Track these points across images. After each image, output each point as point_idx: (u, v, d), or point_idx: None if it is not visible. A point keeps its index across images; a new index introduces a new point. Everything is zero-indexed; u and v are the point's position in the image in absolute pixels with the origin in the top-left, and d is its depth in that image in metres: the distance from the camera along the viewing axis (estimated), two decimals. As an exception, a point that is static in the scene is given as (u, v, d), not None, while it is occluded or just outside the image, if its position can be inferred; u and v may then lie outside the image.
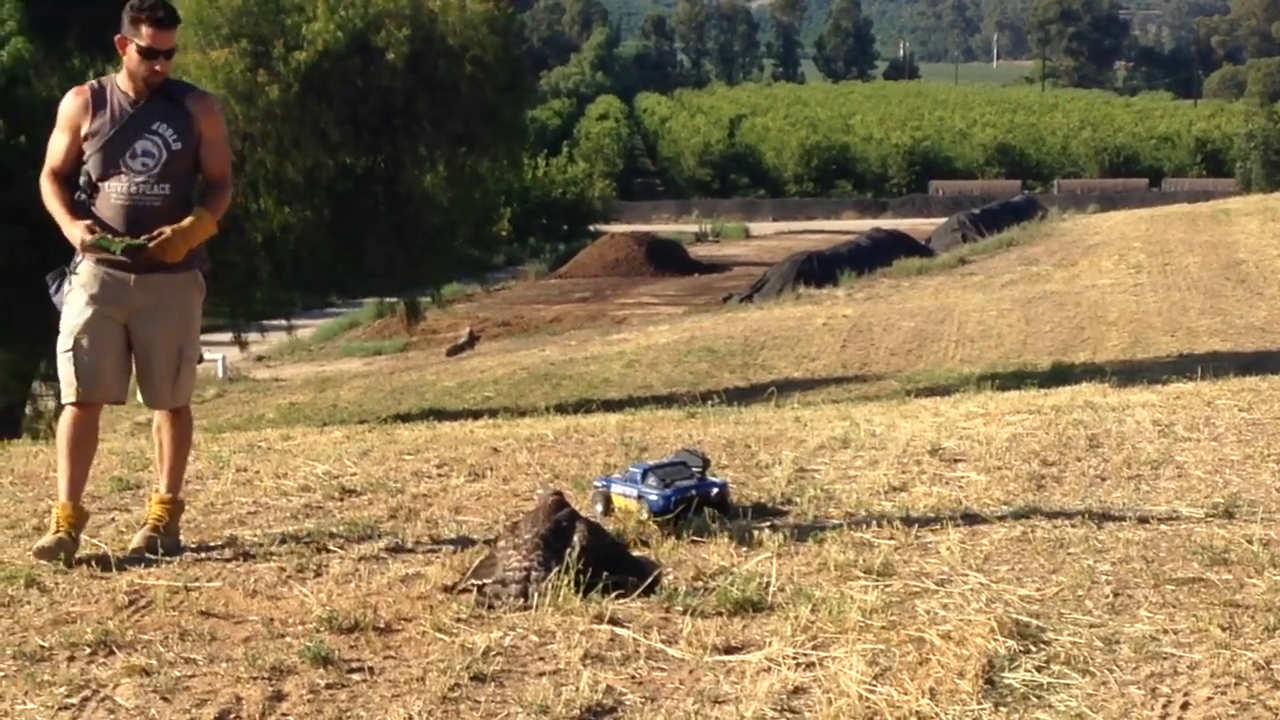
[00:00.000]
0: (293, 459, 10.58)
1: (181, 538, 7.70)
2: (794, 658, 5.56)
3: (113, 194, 7.35)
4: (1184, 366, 21.26)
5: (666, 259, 66.95)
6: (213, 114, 7.70)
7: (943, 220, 72.14)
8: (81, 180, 7.38)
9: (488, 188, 33.70)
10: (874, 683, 5.27)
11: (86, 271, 7.36)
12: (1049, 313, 36.76)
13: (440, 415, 22.03)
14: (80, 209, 7.34)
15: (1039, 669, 5.38)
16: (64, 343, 7.36)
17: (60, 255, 7.78)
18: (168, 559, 7.26)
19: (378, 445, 11.40)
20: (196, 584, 6.85)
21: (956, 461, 9.35)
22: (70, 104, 7.44)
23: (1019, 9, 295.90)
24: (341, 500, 8.86)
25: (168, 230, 7.31)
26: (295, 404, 35.86)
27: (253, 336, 37.06)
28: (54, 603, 6.60)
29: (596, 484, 8.29)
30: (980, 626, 5.67)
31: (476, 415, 17.27)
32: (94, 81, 7.55)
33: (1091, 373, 20.73)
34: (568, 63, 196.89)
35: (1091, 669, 5.43)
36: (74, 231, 7.22)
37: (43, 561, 7.16)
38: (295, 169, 26.60)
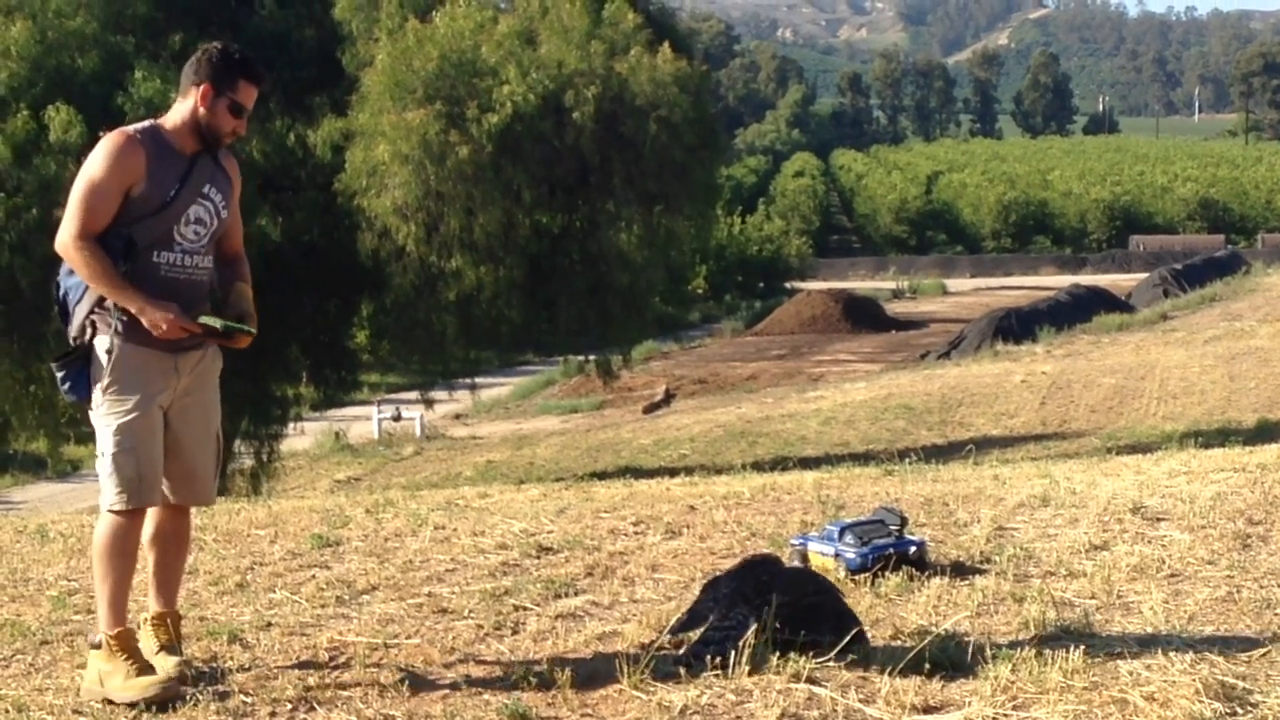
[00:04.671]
0: (490, 517, 10.65)
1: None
2: (994, 718, 5.49)
3: (162, 266, 6.26)
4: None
5: (863, 316, 66.86)
6: (239, 176, 6.65)
7: (1144, 276, 71.53)
8: (118, 246, 6.19)
9: (682, 246, 33.78)
10: (1076, 744, 5.18)
11: (129, 355, 6.21)
12: (1253, 369, 36.13)
13: (636, 473, 22.11)
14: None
15: (1246, 732, 5.27)
16: (122, 440, 6.18)
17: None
18: (200, 686, 6.24)
19: (574, 503, 11.44)
20: (395, 641, 6.90)
21: (1159, 520, 9.19)
22: (126, 153, 6.20)
23: (1221, 62, 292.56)
24: (538, 558, 8.89)
25: (250, 308, 6.49)
26: (492, 462, 36.16)
27: (446, 394, 37.35)
28: (256, 659, 6.67)
29: (793, 542, 8.25)
30: (1185, 688, 5.55)
31: (673, 473, 17.32)
32: (139, 128, 6.32)
33: (1298, 430, 20.33)
34: (763, 120, 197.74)
35: (1301, 732, 5.30)
36: (160, 315, 6.12)
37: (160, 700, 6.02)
38: (487, 229, 26.84)
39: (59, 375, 6.32)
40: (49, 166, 24.55)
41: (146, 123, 6.37)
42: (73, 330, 6.31)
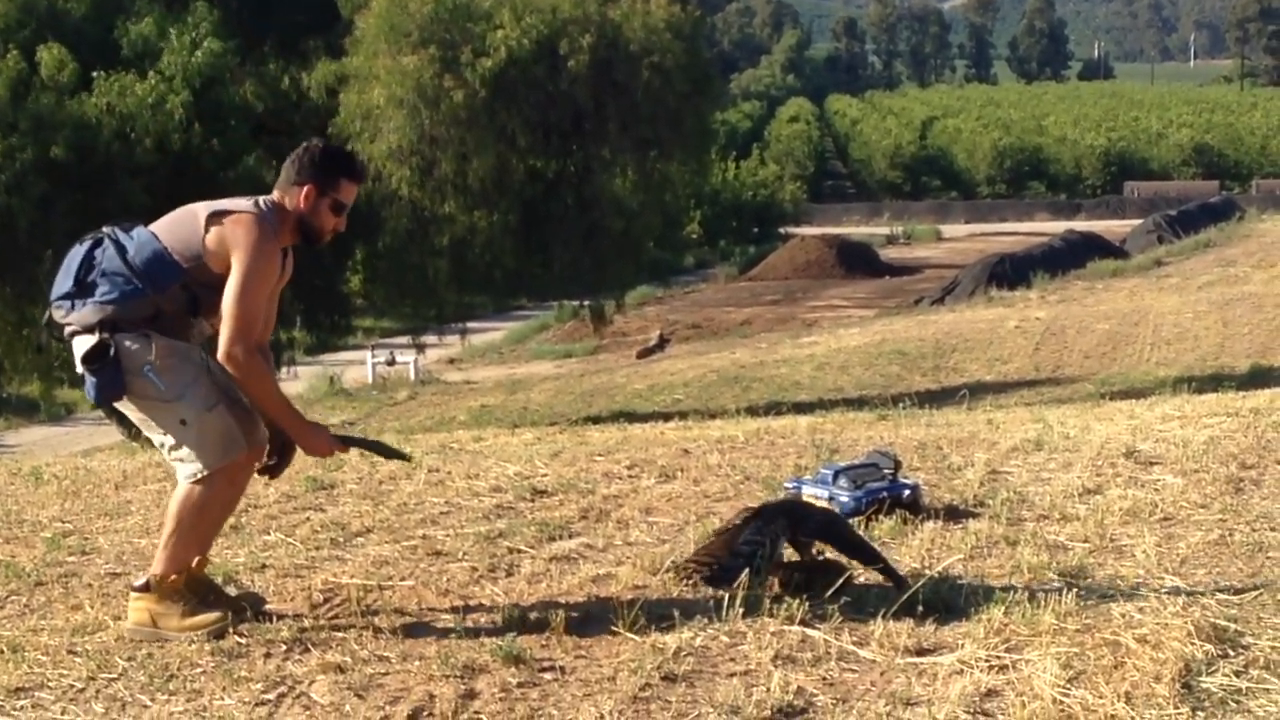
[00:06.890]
0: (484, 460, 10.66)
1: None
2: (987, 660, 5.50)
3: (194, 334, 6.27)
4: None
5: (857, 261, 66.77)
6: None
7: (1138, 222, 71.42)
8: (184, 299, 6.14)
9: (676, 191, 33.77)
10: (1068, 686, 5.19)
11: (166, 343, 6.08)
12: (1247, 314, 36.12)
13: (630, 417, 22.12)
14: None
15: (1238, 673, 5.27)
16: (201, 401, 6.06)
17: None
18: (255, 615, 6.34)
19: (569, 447, 11.46)
20: (390, 583, 6.91)
21: (1152, 464, 9.21)
22: (276, 256, 6.21)
23: (1217, 7, 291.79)
24: (533, 501, 8.90)
25: None
26: (486, 406, 36.15)
27: (439, 339, 37.42)
28: (251, 600, 6.67)
29: (787, 485, 8.27)
30: (1177, 630, 5.56)
31: (667, 417, 17.31)
32: (274, 220, 6.19)
33: (1292, 375, 20.34)
34: (758, 65, 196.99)
35: (1292, 674, 5.31)
36: (322, 440, 6.25)
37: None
38: (481, 173, 26.83)
39: (91, 380, 6.03)
40: (40, 102, 24.48)
41: (269, 207, 6.21)
42: (81, 315, 6.05)
